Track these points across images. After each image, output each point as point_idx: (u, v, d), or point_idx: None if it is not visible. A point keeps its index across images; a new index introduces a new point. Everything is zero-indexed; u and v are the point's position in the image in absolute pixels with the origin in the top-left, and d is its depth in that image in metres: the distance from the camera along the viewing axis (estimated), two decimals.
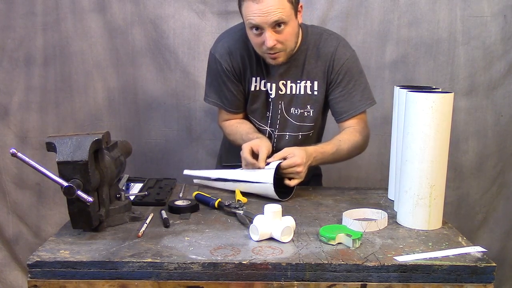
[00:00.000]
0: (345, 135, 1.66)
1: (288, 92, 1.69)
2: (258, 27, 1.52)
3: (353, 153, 1.69)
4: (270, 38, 1.51)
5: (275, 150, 1.74)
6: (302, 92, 1.69)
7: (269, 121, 1.73)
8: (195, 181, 1.70)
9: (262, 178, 1.50)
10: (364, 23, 2.16)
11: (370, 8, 2.15)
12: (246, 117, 1.78)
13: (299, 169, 1.50)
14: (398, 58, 2.18)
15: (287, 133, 1.74)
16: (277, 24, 1.51)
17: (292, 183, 1.52)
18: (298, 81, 1.68)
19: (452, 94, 1.28)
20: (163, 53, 2.18)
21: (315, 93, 1.68)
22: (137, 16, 2.14)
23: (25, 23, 2.13)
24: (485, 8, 2.12)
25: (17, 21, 2.13)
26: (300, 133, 1.74)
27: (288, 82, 1.68)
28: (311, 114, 1.71)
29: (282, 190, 1.52)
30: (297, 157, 1.50)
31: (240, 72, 1.69)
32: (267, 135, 1.74)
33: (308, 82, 1.68)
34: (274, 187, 1.48)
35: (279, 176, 1.53)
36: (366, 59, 2.17)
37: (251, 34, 1.56)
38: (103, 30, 2.16)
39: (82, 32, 2.15)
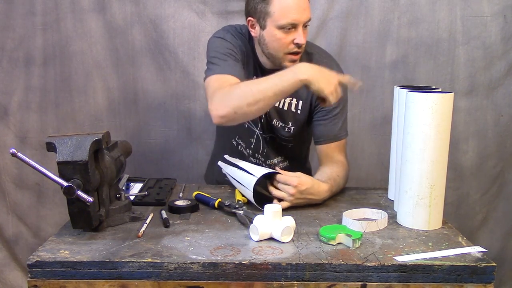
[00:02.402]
0: (341, 174, 1.59)
1: None
2: (293, 25, 1.51)
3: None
4: (304, 35, 1.52)
5: (265, 152, 1.76)
6: (285, 108, 1.69)
7: (260, 124, 1.72)
8: (219, 163, 1.66)
9: (255, 171, 1.45)
10: (364, 23, 2.16)
11: (370, 8, 2.14)
12: None
13: (291, 191, 1.41)
14: (398, 58, 2.18)
15: (269, 135, 1.74)
16: (306, 23, 1.53)
17: (277, 201, 1.43)
18: None
19: (452, 94, 1.29)
20: (163, 53, 2.18)
21: (299, 112, 1.68)
22: (137, 16, 2.14)
23: (24, 23, 2.13)
24: (485, 8, 2.12)
25: (16, 21, 2.13)
26: (281, 141, 1.75)
27: None
28: (291, 131, 1.71)
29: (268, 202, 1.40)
30: (296, 179, 1.42)
31: (243, 60, 1.64)
32: (255, 137, 1.74)
33: (294, 99, 1.68)
34: (259, 191, 1.43)
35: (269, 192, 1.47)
36: (366, 59, 2.17)
37: (279, 34, 1.52)
38: (103, 30, 2.16)
39: (82, 32, 2.15)
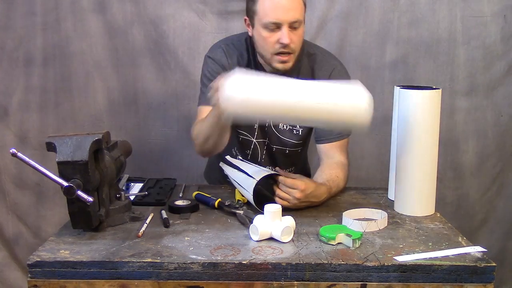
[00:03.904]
0: (340, 175, 1.58)
1: None
2: (275, 24, 1.49)
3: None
4: (287, 35, 1.49)
5: (263, 160, 1.75)
6: None
7: (256, 133, 1.71)
8: (220, 164, 1.66)
9: (255, 174, 1.44)
10: (364, 23, 2.16)
11: (370, 8, 2.14)
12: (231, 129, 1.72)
13: (297, 195, 1.39)
14: (398, 58, 2.18)
15: (274, 146, 1.73)
16: (294, 24, 1.50)
17: (280, 201, 1.39)
18: None
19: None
20: (163, 53, 2.18)
21: None
22: (137, 16, 2.14)
23: (25, 23, 2.13)
24: (485, 8, 2.12)
25: (17, 21, 2.13)
26: (287, 148, 1.73)
27: None
28: (300, 133, 1.70)
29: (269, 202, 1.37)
30: (303, 183, 1.40)
31: None
32: (252, 146, 1.73)
33: None
34: (260, 191, 1.43)
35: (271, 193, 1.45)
36: (366, 59, 2.17)
37: (264, 33, 1.52)
38: (103, 30, 2.16)
39: (82, 32, 2.15)
